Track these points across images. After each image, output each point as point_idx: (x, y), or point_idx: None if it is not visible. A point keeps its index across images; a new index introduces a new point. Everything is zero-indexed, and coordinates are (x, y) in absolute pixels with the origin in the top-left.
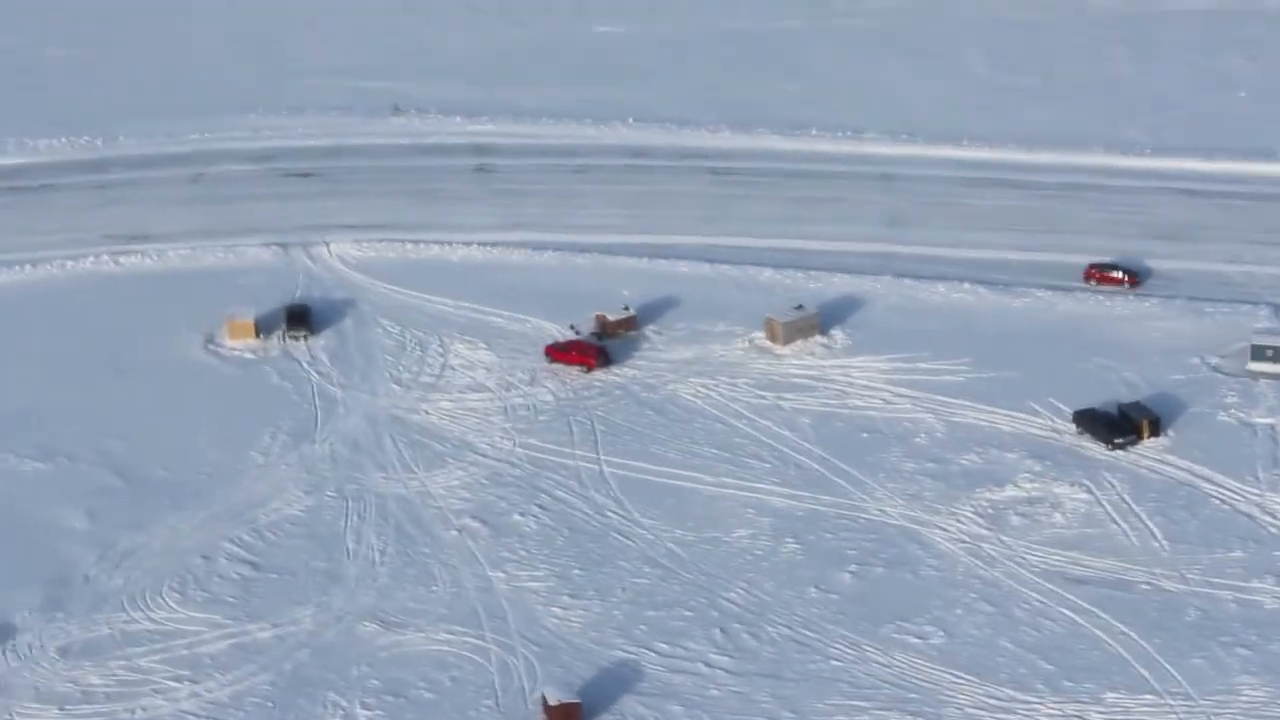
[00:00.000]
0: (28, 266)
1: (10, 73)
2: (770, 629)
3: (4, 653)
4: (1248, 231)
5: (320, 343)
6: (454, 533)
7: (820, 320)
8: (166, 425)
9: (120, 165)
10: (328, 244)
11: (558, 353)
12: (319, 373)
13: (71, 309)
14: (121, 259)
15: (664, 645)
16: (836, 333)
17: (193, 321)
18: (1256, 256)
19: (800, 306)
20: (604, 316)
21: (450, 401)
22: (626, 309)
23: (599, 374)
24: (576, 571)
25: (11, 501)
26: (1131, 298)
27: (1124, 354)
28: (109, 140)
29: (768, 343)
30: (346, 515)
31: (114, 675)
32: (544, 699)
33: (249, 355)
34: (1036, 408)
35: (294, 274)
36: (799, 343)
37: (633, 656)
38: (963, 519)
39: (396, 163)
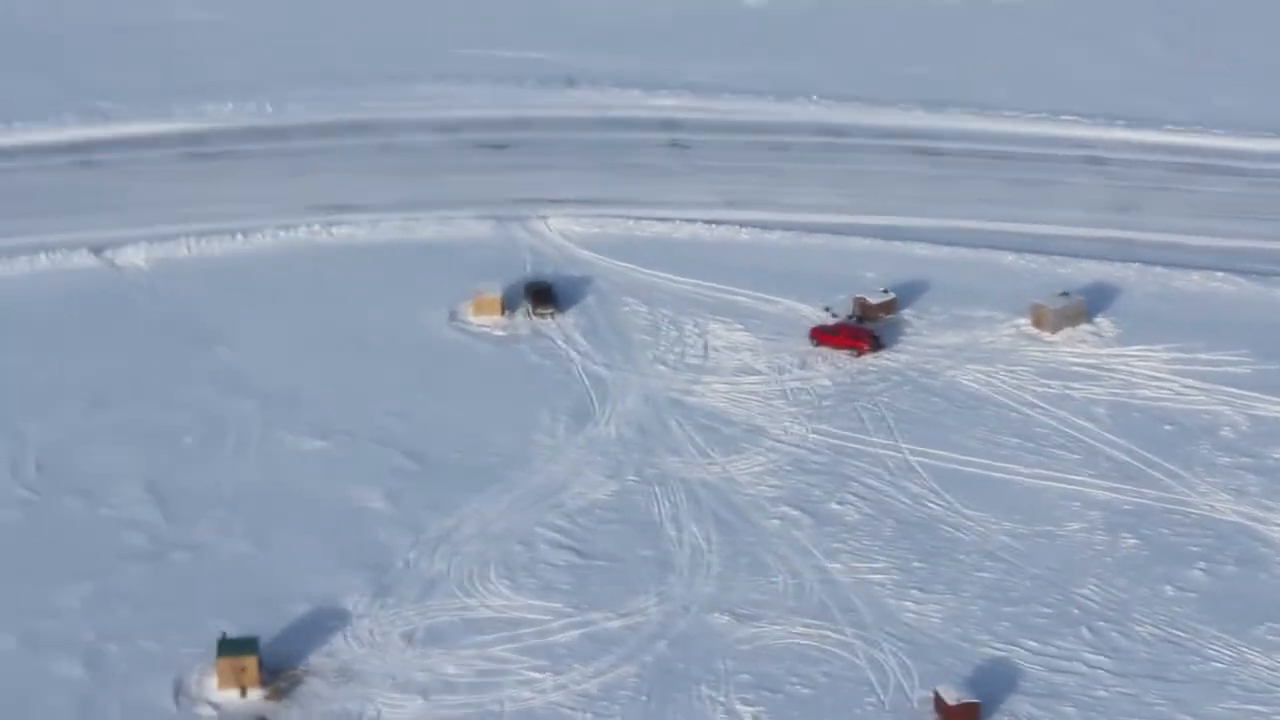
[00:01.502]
0: (239, 236)
1: (145, 33)
2: (1138, 628)
3: (345, 639)
4: None
5: (569, 321)
6: (775, 521)
7: (1087, 307)
8: (438, 404)
9: (301, 133)
10: (545, 219)
11: (825, 336)
12: (579, 352)
13: (299, 281)
14: (334, 229)
15: (1033, 643)
16: (1101, 320)
17: (428, 296)
18: None
19: (1066, 293)
20: (864, 299)
21: (724, 384)
22: (885, 292)
23: (869, 358)
24: (916, 564)
25: (302, 480)
26: None
27: None
28: (278, 106)
29: (1034, 329)
30: (657, 501)
31: (469, 665)
32: (938, 697)
33: (498, 332)
34: None
35: (517, 249)
36: (1067, 330)
37: (1004, 654)
38: None
39: (587, 135)
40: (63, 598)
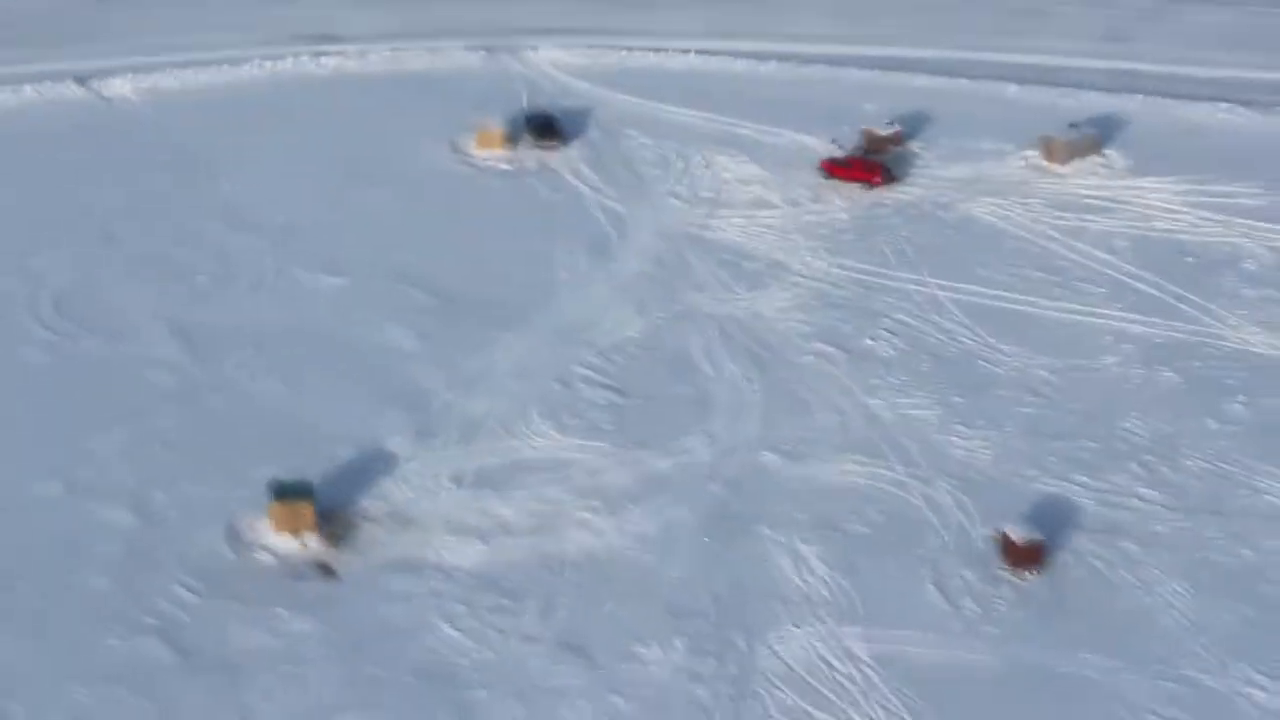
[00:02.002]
0: (225, 66)
1: None
2: (1186, 462)
3: (394, 482)
4: None
5: (575, 153)
6: (809, 358)
7: (1099, 139)
8: (453, 239)
9: None
10: (535, 49)
11: (837, 169)
12: (589, 186)
13: (293, 112)
14: (323, 60)
15: (1084, 478)
16: (1110, 152)
17: (427, 128)
18: None
19: (1075, 125)
20: (872, 131)
21: (741, 218)
22: (891, 124)
23: (881, 191)
24: (957, 399)
25: (325, 318)
26: None
27: None
28: None
29: (1044, 162)
30: (688, 338)
31: (524, 507)
32: (1004, 536)
33: (504, 166)
34: None
35: (510, 80)
36: (1076, 162)
37: (1056, 490)
38: None
39: None
40: (100, 442)
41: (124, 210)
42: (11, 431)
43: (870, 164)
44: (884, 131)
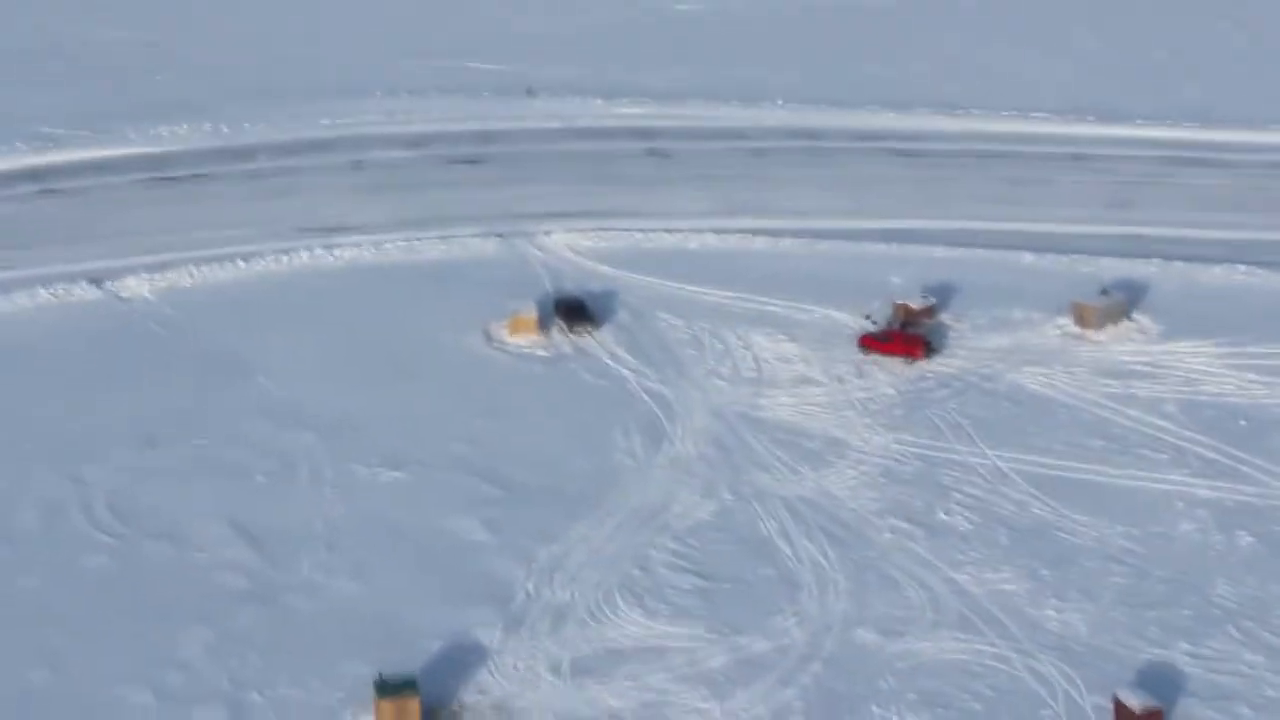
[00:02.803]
0: (240, 262)
1: (72, 55)
2: None
3: (491, 674)
4: None
5: (609, 337)
6: (887, 535)
7: (1128, 304)
8: (505, 428)
9: (265, 153)
10: (549, 233)
11: (877, 343)
12: (630, 370)
13: (316, 305)
14: (336, 252)
15: (1186, 644)
16: (1140, 317)
17: (456, 317)
18: None
19: (1106, 291)
20: (907, 305)
21: (789, 397)
22: (926, 296)
23: (923, 365)
24: (1044, 572)
25: (391, 512)
26: None
27: None
28: (234, 126)
29: (1077, 329)
30: (761, 519)
31: (629, 696)
32: (1119, 703)
33: (541, 352)
34: None
35: (529, 266)
36: (1110, 328)
37: (1160, 658)
38: None
39: (560, 146)
40: (183, 647)
41: (163, 413)
42: (88, 639)
43: (911, 337)
44: (918, 305)
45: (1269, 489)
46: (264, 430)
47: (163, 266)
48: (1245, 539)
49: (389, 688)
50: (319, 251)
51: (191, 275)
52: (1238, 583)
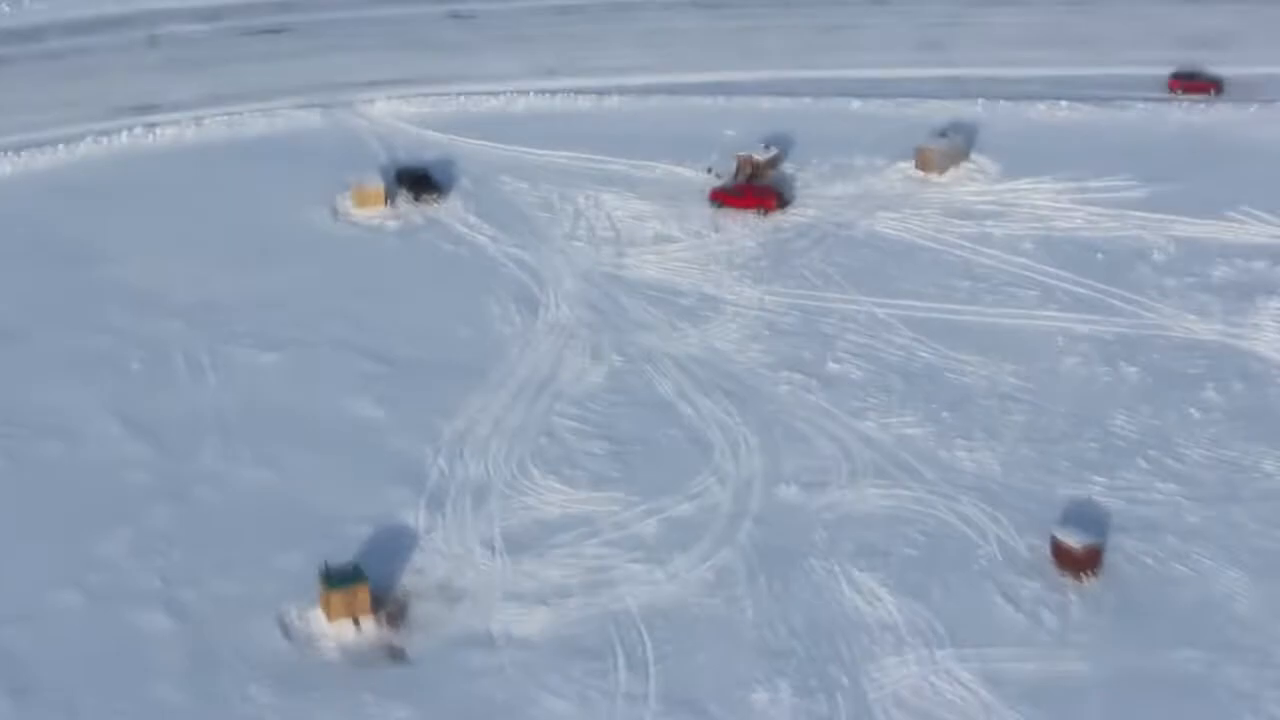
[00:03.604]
0: (61, 147)
1: None
2: (1188, 452)
3: (426, 555)
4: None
5: (457, 205)
6: (784, 387)
7: (967, 146)
8: (373, 303)
9: (54, 32)
10: (371, 101)
11: (729, 197)
12: (486, 237)
13: (148, 187)
14: (158, 131)
15: (1100, 479)
16: (977, 158)
17: (296, 191)
18: None
19: (944, 134)
20: (751, 157)
21: (652, 255)
22: (768, 147)
23: (776, 216)
24: (944, 414)
25: (280, 396)
26: (1232, 105)
27: (1272, 157)
28: (14, 4)
29: (920, 172)
30: (654, 379)
31: (570, 566)
32: (1058, 543)
33: (391, 223)
34: (1236, 216)
35: (358, 136)
36: (952, 170)
37: (1078, 493)
38: (1269, 330)
39: (359, 14)
40: (102, 546)
41: (15, 306)
42: (3, 554)
43: (762, 189)
44: (762, 157)
45: (1141, 320)
46: (125, 319)
47: None
48: (1130, 370)
49: (336, 576)
50: (138, 131)
51: (11, 163)
52: (1133, 413)
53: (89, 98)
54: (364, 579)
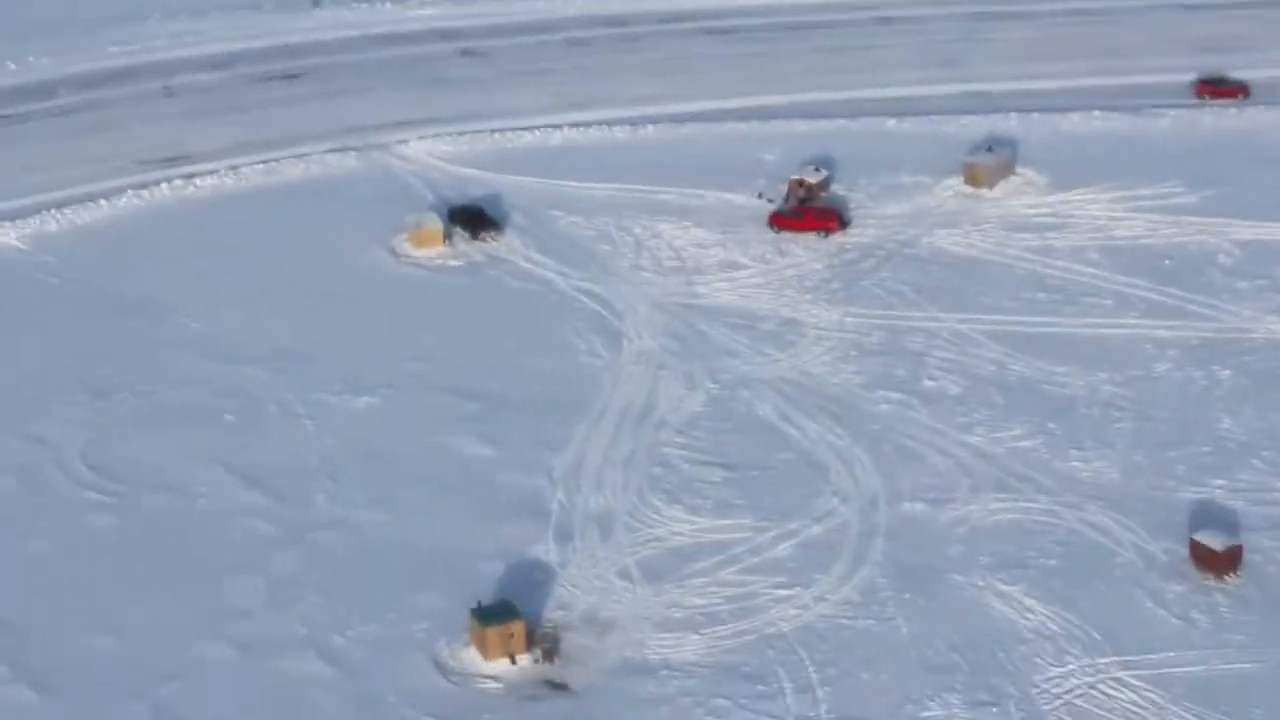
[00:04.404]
0: (103, 201)
1: None
2: None
3: (567, 588)
4: None
5: (515, 241)
6: (884, 406)
7: (1013, 160)
8: (454, 342)
9: (68, 87)
10: (404, 143)
11: (789, 221)
12: (553, 272)
13: (202, 237)
14: (198, 181)
15: (1221, 481)
16: (1025, 170)
17: (351, 234)
18: None
19: (990, 148)
20: (803, 180)
21: (722, 282)
22: (817, 170)
23: (837, 237)
24: (1051, 425)
25: (382, 439)
26: (1260, 108)
27: None
28: (20, 63)
29: (970, 188)
30: (753, 404)
31: (714, 594)
32: (1198, 545)
33: (454, 262)
34: None
35: (399, 177)
36: (1001, 185)
37: (1203, 496)
38: None
39: (373, 54)
40: (238, 596)
41: (95, 361)
42: (136, 600)
43: (823, 211)
44: (813, 179)
45: (1222, 323)
46: (207, 369)
47: (15, 215)
48: (1224, 373)
49: (490, 614)
50: (177, 182)
51: (56, 220)
52: (1237, 415)
53: (116, 151)
54: (518, 615)
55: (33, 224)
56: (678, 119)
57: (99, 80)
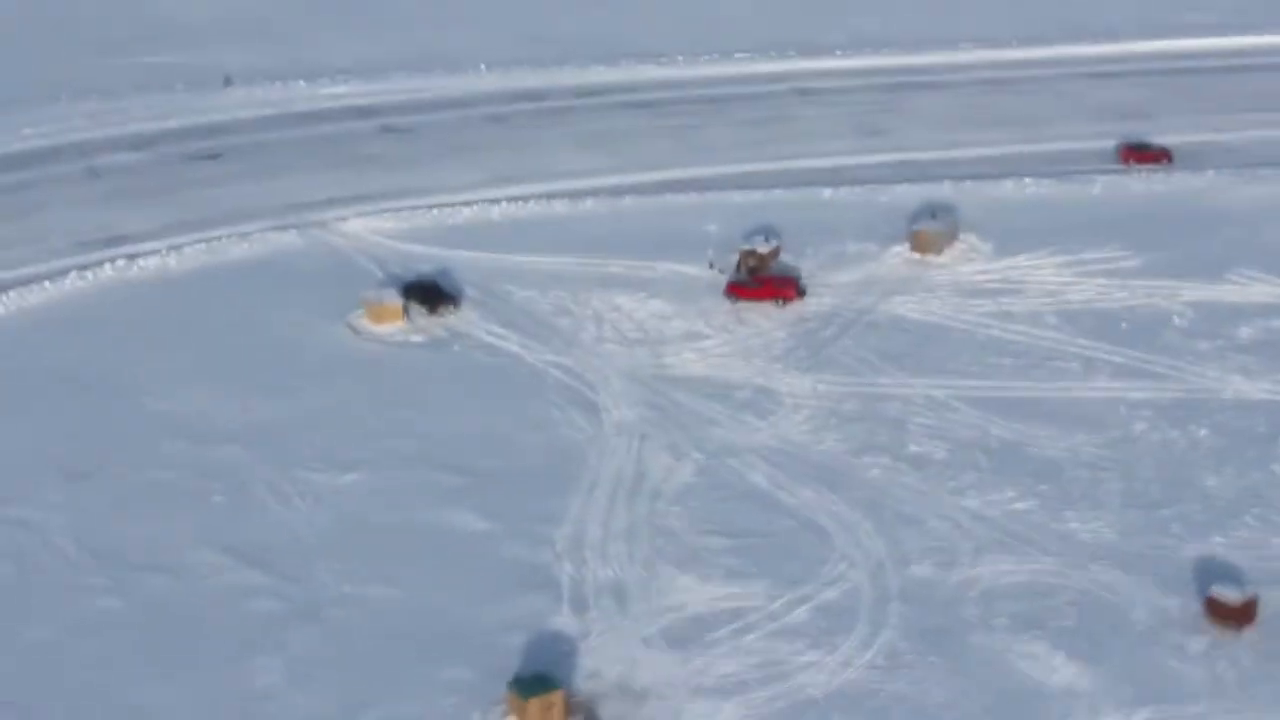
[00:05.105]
0: (47, 283)
1: None
2: None
3: (592, 658)
4: (1189, 103)
5: (473, 315)
6: (875, 472)
7: (956, 227)
8: (429, 417)
9: None
10: (342, 220)
11: (745, 290)
12: (518, 345)
13: (155, 316)
14: (141, 262)
15: (1219, 537)
16: (968, 237)
17: (305, 312)
18: (1218, 125)
19: (934, 215)
20: (754, 250)
21: (690, 352)
22: (767, 239)
23: (794, 305)
24: (1042, 487)
25: (375, 514)
26: (1185, 172)
27: (1245, 221)
28: None
29: (917, 254)
30: (742, 472)
31: (737, 660)
32: (1214, 601)
33: (416, 338)
34: (1235, 278)
35: (344, 255)
36: (948, 251)
37: (1203, 552)
38: None
39: (292, 133)
40: (260, 678)
41: (64, 444)
42: (155, 686)
43: (781, 280)
44: (764, 249)
45: (1190, 384)
46: (183, 449)
47: None
48: (1201, 433)
49: (529, 686)
50: (120, 263)
51: (2, 303)
52: (1220, 474)
53: (49, 232)
54: (558, 685)
55: None
56: (615, 191)
57: (19, 162)
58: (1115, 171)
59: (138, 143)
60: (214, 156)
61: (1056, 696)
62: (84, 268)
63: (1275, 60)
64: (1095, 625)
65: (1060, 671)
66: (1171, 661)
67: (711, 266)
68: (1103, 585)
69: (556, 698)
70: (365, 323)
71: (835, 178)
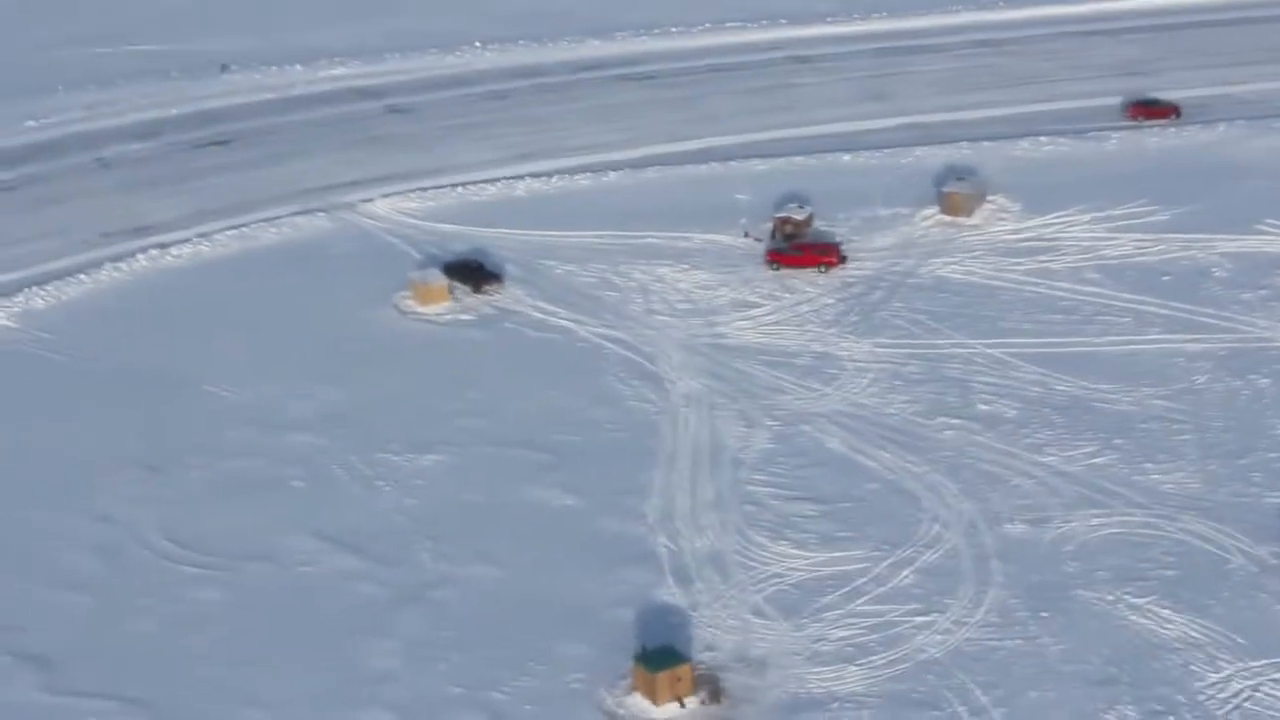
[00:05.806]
0: (83, 275)
1: None
2: None
3: (707, 629)
4: (1190, 59)
5: (519, 293)
6: (949, 433)
7: (985, 188)
8: (499, 395)
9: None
10: (369, 201)
11: (787, 258)
12: (569, 321)
13: (201, 305)
14: (173, 250)
15: None
16: (996, 198)
17: (352, 295)
18: (1222, 79)
19: (962, 177)
20: (789, 217)
21: (743, 321)
22: (800, 206)
23: (836, 271)
24: (1118, 441)
25: (462, 494)
26: (1196, 126)
27: (1265, 173)
28: None
29: (949, 216)
30: (818, 438)
31: (853, 625)
32: None
33: (465, 317)
34: (1264, 227)
35: (375, 236)
36: (977, 213)
37: None
38: None
39: (298, 117)
40: (378, 660)
41: (135, 438)
42: (273, 672)
43: (823, 247)
44: (799, 216)
45: (1243, 334)
46: (255, 437)
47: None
48: (1262, 382)
49: (656, 660)
50: (153, 253)
51: (42, 296)
52: None
53: (71, 224)
54: (684, 659)
55: (19, 301)
56: (636, 165)
57: (26, 155)
58: (1127, 127)
59: (142, 132)
60: (222, 143)
61: (1173, 648)
62: (116, 259)
63: (1273, 12)
64: (1196, 576)
65: (1171, 623)
66: (1277, 609)
67: (746, 235)
68: (1196, 535)
69: (684, 671)
70: (411, 303)
71: (850, 143)
